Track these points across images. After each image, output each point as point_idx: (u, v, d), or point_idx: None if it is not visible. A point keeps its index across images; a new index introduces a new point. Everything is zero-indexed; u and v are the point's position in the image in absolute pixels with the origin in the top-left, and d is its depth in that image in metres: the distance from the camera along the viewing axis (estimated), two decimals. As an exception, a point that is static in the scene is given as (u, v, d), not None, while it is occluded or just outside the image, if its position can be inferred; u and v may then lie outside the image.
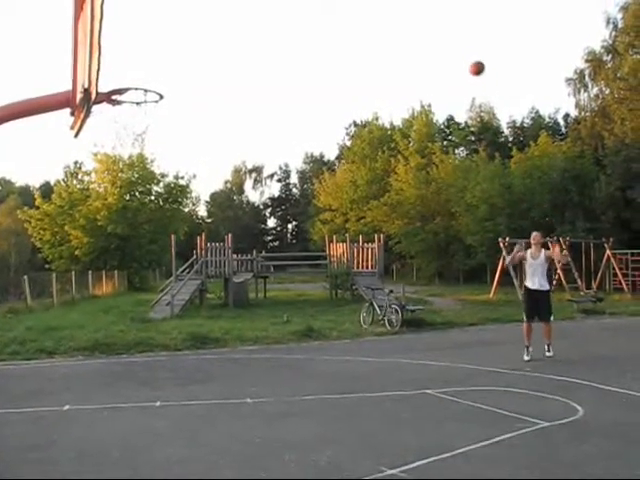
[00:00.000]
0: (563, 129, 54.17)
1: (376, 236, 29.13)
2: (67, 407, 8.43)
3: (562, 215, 36.07)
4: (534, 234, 13.04)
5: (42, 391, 9.67)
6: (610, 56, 41.29)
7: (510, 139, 55.60)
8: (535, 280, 12.44)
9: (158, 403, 8.66)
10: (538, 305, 12.39)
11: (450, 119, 59.65)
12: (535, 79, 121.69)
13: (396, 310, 17.51)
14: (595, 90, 43.13)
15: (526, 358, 12.04)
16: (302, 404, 8.68)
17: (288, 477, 5.72)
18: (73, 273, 31.74)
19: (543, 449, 6.51)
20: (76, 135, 6.78)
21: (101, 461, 6.24)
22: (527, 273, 12.81)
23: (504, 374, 10.74)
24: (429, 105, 56.21)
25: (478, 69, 9.36)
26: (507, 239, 29.84)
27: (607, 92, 41.63)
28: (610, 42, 40.92)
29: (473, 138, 55.63)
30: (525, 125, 56.13)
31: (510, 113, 64.73)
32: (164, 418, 8.00)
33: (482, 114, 59.20)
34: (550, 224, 36.13)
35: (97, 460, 6.28)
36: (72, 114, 6.63)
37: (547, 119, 55.83)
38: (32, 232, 42.09)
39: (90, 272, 33.80)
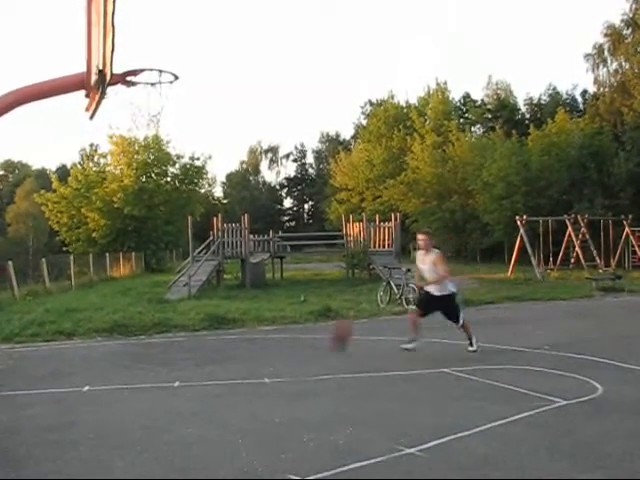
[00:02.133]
0: (581, 106, 53.58)
1: (392, 215, 29.03)
2: (87, 388, 8.50)
3: (580, 192, 35.79)
4: (419, 236, 10.87)
5: (62, 372, 9.74)
6: (630, 30, 40.70)
7: (527, 116, 55.07)
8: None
9: (177, 383, 8.71)
10: (434, 307, 10.71)
11: (466, 97, 59.20)
12: (553, 56, 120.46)
13: (414, 289, 17.44)
14: (614, 65, 42.54)
15: (408, 346, 10.43)
16: (320, 384, 8.70)
17: (306, 457, 5.73)
18: (90, 255, 31.91)
19: (562, 427, 6.49)
20: (91, 117, 6.78)
21: (121, 442, 6.28)
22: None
23: (522, 352, 10.70)
24: (445, 83, 55.84)
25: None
26: (524, 217, 29.68)
27: (627, 67, 41.05)
28: (630, 15, 40.31)
29: (490, 116, 55.21)
30: (542, 102, 55.55)
31: (527, 90, 64.05)
32: (183, 398, 8.05)
33: (499, 91, 58.64)
34: (568, 201, 35.89)
35: (117, 441, 6.32)
36: (87, 96, 6.63)
37: (565, 96, 55.28)
38: (49, 215, 42.34)
39: (107, 254, 33.97)
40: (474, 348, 10.43)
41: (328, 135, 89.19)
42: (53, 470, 5.52)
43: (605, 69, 43.08)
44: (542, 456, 5.69)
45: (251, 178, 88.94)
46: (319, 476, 5.21)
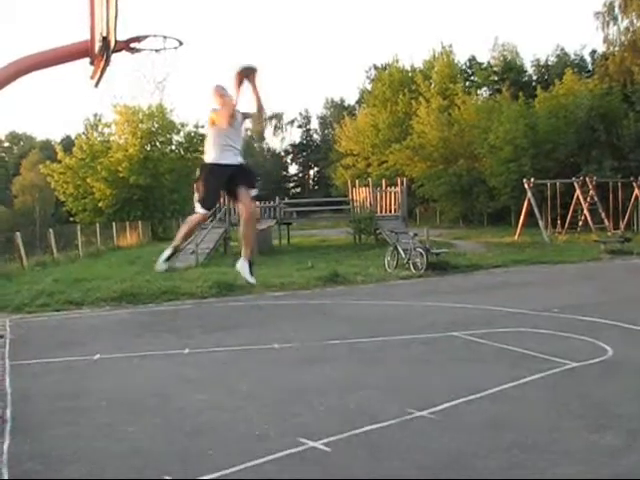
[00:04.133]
0: (590, 66, 52.80)
1: (399, 180, 28.92)
2: (97, 356, 8.55)
3: (588, 154, 35.50)
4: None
5: (72, 341, 9.80)
6: (643, -14, 39.89)
7: (534, 78, 54.42)
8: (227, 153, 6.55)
9: (186, 350, 8.75)
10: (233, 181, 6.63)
11: (472, 59, 58.46)
12: (560, 15, 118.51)
13: (421, 253, 17.47)
14: (625, 23, 41.64)
15: (163, 267, 7.02)
16: (329, 349, 8.74)
17: (317, 420, 5.77)
18: (97, 225, 31.92)
19: (572, 389, 6.51)
20: (96, 85, 6.71)
21: (132, 409, 6.33)
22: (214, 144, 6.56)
23: (531, 315, 10.70)
24: (450, 46, 55.22)
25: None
26: (532, 180, 29.52)
27: (638, 24, 40.33)
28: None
29: (496, 78, 54.56)
30: (550, 63, 54.87)
31: (534, 51, 63.11)
32: (193, 365, 8.09)
33: (505, 53, 57.84)
34: (576, 164, 35.63)
35: (128, 408, 6.37)
36: (91, 63, 6.56)
37: (573, 56, 54.48)
38: (55, 186, 42.30)
39: (114, 223, 33.98)
40: (253, 280, 7.13)
41: (333, 101, 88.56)
42: (67, 436, 5.57)
43: (615, 27, 42.19)
44: (553, 417, 5.72)
45: (256, 145, 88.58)
46: (331, 439, 5.24)
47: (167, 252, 6.86)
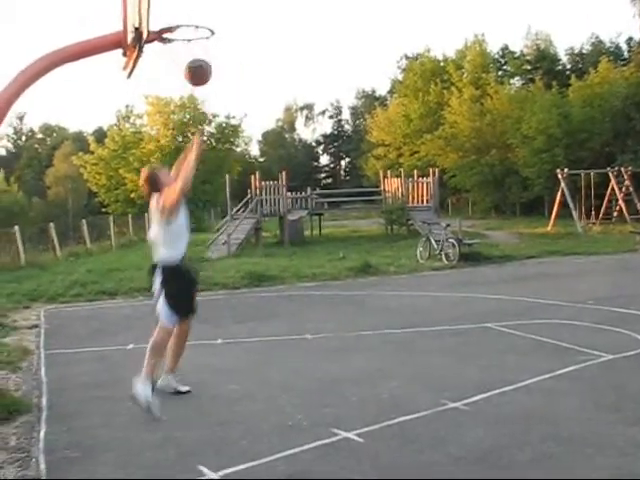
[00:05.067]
0: (626, 54, 51.99)
1: (430, 170, 28.73)
2: (131, 346, 8.61)
3: (624, 144, 34.95)
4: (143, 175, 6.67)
5: (106, 331, 9.89)
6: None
7: (568, 67, 53.72)
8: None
9: (219, 340, 8.79)
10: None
11: (505, 48, 57.88)
12: (595, 2, 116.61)
13: (453, 244, 17.37)
14: (663, 9, 40.96)
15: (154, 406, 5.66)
16: (362, 339, 8.72)
17: (350, 411, 5.76)
18: (129, 216, 32.21)
19: (608, 382, 6.42)
20: (129, 76, 6.75)
21: (165, 398, 6.36)
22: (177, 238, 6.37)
23: (565, 307, 10.58)
24: (482, 35, 54.62)
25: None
26: (565, 170, 29.15)
27: (677, 11, 39.56)
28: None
29: (529, 67, 53.95)
30: (584, 52, 54.11)
31: (568, 40, 62.38)
32: (225, 355, 8.13)
33: (538, 42, 57.17)
34: (611, 153, 35.11)
35: (161, 397, 6.40)
36: (124, 54, 6.60)
37: (608, 44, 53.67)
38: (88, 177, 42.78)
39: (146, 214, 34.23)
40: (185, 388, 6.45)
41: (364, 91, 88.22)
42: (102, 424, 5.63)
43: (653, 14, 41.50)
44: (588, 409, 5.64)
45: (287, 136, 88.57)
46: (364, 430, 5.23)
47: (147, 388, 5.64)
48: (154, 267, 6.21)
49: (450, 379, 6.68)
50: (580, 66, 50.33)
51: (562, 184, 28.52)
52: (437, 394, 6.08)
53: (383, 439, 5.11)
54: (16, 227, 20.24)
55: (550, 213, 30.87)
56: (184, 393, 6.33)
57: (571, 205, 28.04)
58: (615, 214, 28.89)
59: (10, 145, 78.76)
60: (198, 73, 6.32)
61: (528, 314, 10.03)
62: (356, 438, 5.09)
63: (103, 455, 4.99)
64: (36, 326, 10.29)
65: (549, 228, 28.55)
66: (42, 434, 5.42)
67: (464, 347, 8.14)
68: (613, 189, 28.63)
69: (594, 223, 28.41)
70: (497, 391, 6.13)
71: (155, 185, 6.26)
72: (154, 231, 6.30)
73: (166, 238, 6.14)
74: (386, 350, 8.09)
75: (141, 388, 5.58)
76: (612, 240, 22.53)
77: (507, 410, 5.67)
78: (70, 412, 6.02)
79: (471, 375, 6.78)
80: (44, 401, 6.34)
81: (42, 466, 4.83)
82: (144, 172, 6.56)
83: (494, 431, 5.18)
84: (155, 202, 6.22)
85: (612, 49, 52.12)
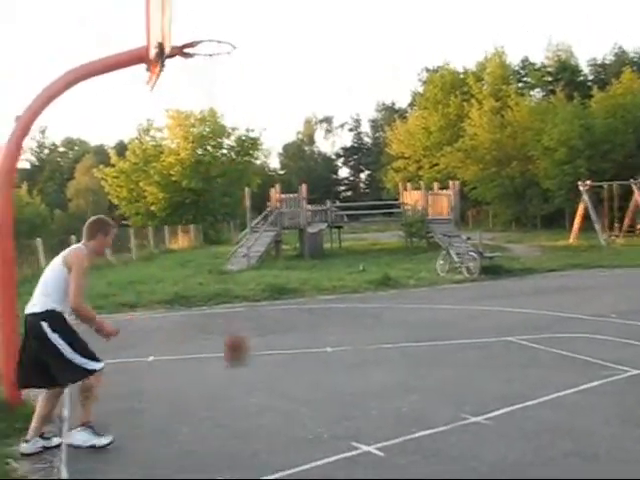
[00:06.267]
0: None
1: (451, 183, 28.66)
2: (151, 358, 8.64)
3: (648, 155, 34.72)
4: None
5: (126, 343, 9.85)
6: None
7: (590, 78, 53.50)
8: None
9: (239, 353, 8.76)
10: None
11: (525, 60, 57.80)
12: (618, 13, 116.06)
13: (474, 257, 17.29)
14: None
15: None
16: (382, 352, 8.67)
17: (371, 425, 5.72)
18: (150, 228, 32.39)
19: (634, 397, 6.32)
20: (152, 89, 6.82)
21: (184, 411, 6.37)
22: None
23: (588, 321, 10.46)
24: (502, 47, 54.59)
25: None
26: (588, 182, 28.92)
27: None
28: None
29: (550, 79, 53.82)
30: (607, 62, 53.86)
31: (590, 51, 62.05)
32: (245, 368, 8.08)
33: (559, 53, 57.03)
34: (634, 165, 34.82)
35: (181, 409, 6.42)
36: (147, 69, 6.66)
37: (632, 54, 53.40)
38: (109, 190, 43.10)
39: (166, 227, 34.45)
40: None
41: (384, 104, 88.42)
42: (122, 436, 5.62)
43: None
44: (613, 425, 5.55)
45: (307, 148, 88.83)
46: (385, 444, 5.18)
47: (85, 433, 5.32)
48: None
49: (471, 393, 6.61)
50: (602, 77, 50.10)
51: (584, 196, 28.31)
52: (458, 408, 6.02)
53: (404, 453, 5.06)
54: (38, 239, 20.43)
55: (572, 225, 30.62)
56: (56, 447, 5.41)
57: (593, 217, 27.80)
58: (638, 227, 28.60)
59: (33, 158, 79.57)
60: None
61: (550, 327, 9.93)
62: (377, 452, 5.05)
63: (123, 468, 4.99)
64: (57, 338, 10.31)
65: (571, 241, 28.32)
66: (64, 445, 5.43)
67: (485, 361, 8.07)
68: (636, 201, 28.36)
69: (617, 235, 28.13)
70: (520, 405, 6.06)
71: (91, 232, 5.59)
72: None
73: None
74: (406, 363, 8.04)
75: (83, 437, 5.27)
76: (636, 253, 22.26)
77: (530, 425, 5.59)
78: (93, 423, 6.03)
79: (493, 389, 6.71)
80: (66, 412, 6.35)
81: (64, 476, 4.86)
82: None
83: (517, 446, 5.12)
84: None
85: (636, 59, 51.83)
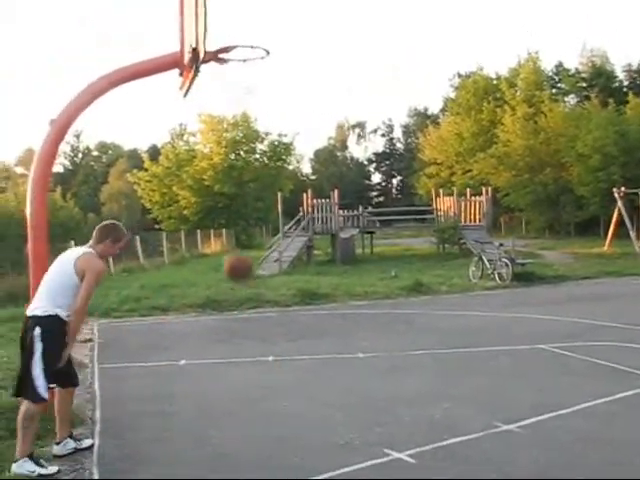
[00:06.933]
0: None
1: (483, 189, 28.48)
2: (183, 362, 8.69)
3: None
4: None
5: (158, 346, 9.99)
6: None
7: (625, 84, 52.83)
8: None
9: (271, 358, 8.80)
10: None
11: (559, 66, 57.22)
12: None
13: (506, 264, 17.14)
14: None
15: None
16: (414, 358, 8.64)
17: (402, 431, 5.70)
18: (182, 232, 32.64)
19: (669, 407, 6.24)
20: (185, 95, 6.88)
21: (216, 414, 6.41)
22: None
23: (622, 329, 10.31)
24: (536, 52, 54.09)
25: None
26: (623, 189, 28.55)
27: None
28: None
29: (584, 85, 53.23)
30: (643, 68, 53.14)
31: (625, 56, 61.05)
32: (277, 372, 8.14)
33: (594, 59, 56.38)
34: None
35: (212, 412, 6.46)
36: (181, 74, 6.73)
37: (668, 60, 52.60)
38: (142, 194, 43.53)
39: (198, 231, 34.66)
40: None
41: (416, 109, 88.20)
42: (153, 439, 5.68)
43: None
44: (648, 436, 5.48)
45: (339, 154, 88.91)
46: (416, 450, 5.17)
47: (27, 464, 4.96)
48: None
49: (503, 401, 6.57)
50: (638, 83, 49.44)
51: (619, 203, 27.95)
52: (490, 416, 5.98)
53: (435, 460, 5.04)
54: (72, 242, 20.66)
55: (606, 233, 30.25)
56: (87, 449, 5.45)
57: (628, 225, 27.43)
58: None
59: (67, 162, 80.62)
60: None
61: (584, 335, 9.81)
62: (408, 459, 5.04)
63: (154, 469, 5.03)
64: (90, 340, 10.45)
65: (605, 248, 27.96)
66: (95, 447, 5.49)
67: (517, 368, 8.00)
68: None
69: (653, 243, 27.71)
70: (552, 414, 6.01)
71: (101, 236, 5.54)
72: None
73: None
74: (438, 370, 8.00)
75: (29, 467, 4.94)
76: (672, 261, 21.96)
77: (563, 434, 5.54)
78: (122, 425, 6.10)
79: (525, 397, 6.65)
80: (98, 414, 6.42)
81: (95, 477, 4.93)
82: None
83: (549, 454, 5.07)
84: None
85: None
